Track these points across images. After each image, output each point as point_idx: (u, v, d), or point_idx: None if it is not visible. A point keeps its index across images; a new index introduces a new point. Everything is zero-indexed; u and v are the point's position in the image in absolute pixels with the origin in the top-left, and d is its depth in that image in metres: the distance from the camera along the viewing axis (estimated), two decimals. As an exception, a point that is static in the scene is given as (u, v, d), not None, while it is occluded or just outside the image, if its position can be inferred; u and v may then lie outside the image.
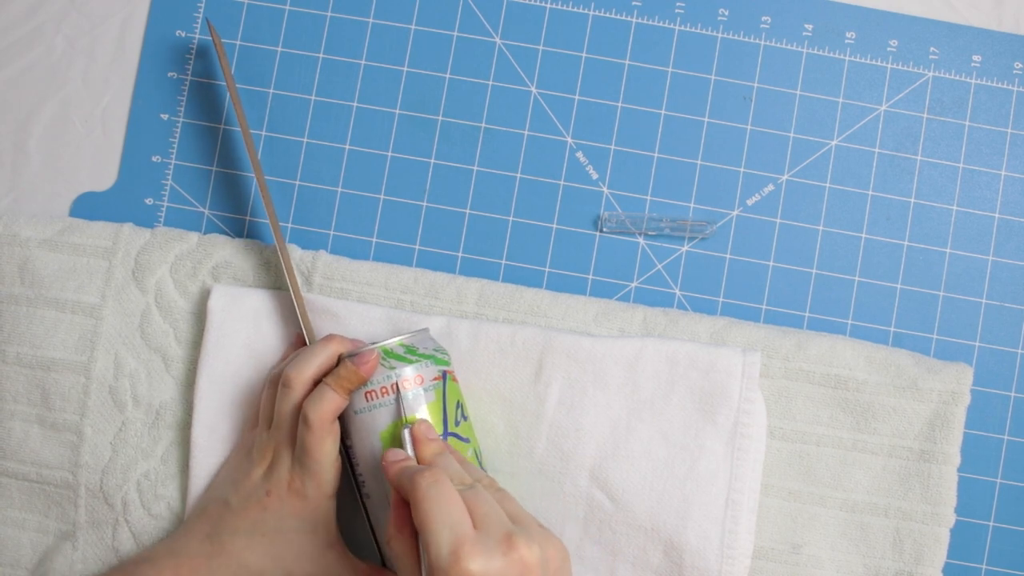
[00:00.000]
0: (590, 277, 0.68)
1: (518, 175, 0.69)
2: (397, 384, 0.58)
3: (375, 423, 0.58)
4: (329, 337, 0.60)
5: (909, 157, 0.68)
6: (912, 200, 0.68)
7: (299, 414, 0.58)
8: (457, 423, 0.60)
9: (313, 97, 0.70)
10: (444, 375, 0.60)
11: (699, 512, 0.62)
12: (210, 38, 0.68)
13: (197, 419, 0.64)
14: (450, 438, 0.59)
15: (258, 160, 0.65)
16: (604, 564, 0.63)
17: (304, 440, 0.58)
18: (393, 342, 0.59)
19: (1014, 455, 0.66)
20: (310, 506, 0.58)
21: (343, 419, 0.59)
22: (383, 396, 0.58)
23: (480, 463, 0.61)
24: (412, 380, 0.59)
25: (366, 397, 0.58)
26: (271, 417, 0.60)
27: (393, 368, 0.58)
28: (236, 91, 0.66)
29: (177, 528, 0.63)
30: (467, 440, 0.60)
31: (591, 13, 0.69)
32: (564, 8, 0.69)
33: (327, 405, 0.57)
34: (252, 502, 0.59)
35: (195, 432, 0.64)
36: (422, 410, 0.58)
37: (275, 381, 0.61)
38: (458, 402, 0.61)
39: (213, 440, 0.64)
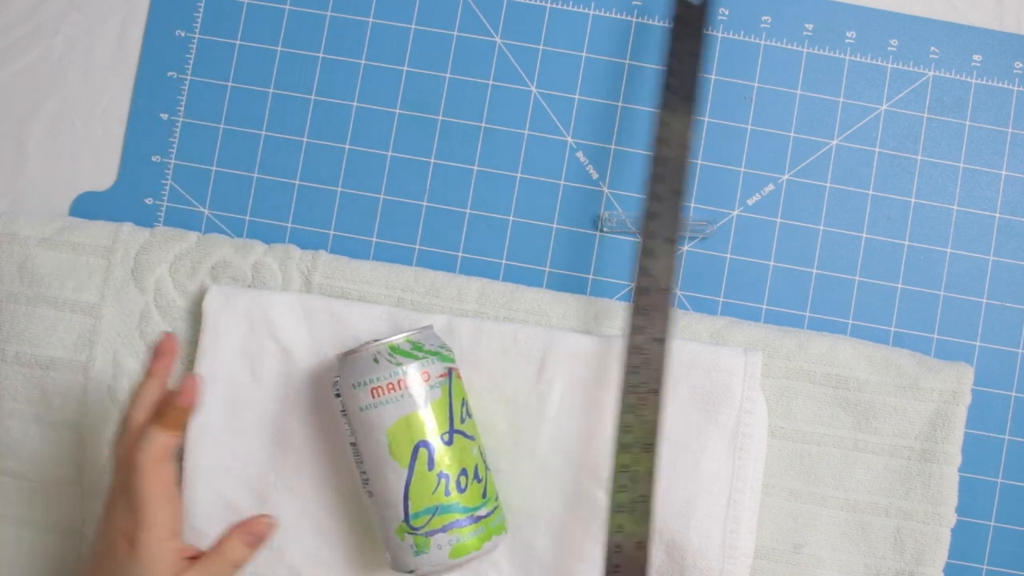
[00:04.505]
0: (590, 277, 0.68)
1: (518, 175, 0.69)
2: (403, 380, 0.58)
3: (381, 420, 0.58)
4: (150, 373, 0.58)
5: (909, 157, 0.68)
6: (912, 200, 0.68)
7: (127, 460, 0.56)
8: (463, 420, 0.60)
9: (313, 97, 0.70)
10: (450, 372, 0.60)
11: (701, 512, 0.62)
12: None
13: (192, 420, 0.64)
14: (456, 435, 0.59)
15: None
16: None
17: (130, 482, 0.55)
18: (399, 338, 0.59)
19: (1015, 455, 0.66)
20: (144, 553, 0.54)
21: (348, 416, 0.59)
22: (389, 392, 0.58)
23: (484, 461, 0.61)
24: (418, 376, 0.58)
25: (372, 394, 0.58)
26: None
27: (399, 364, 0.58)
28: None
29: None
30: (472, 438, 0.60)
31: (591, 13, 0.69)
32: (564, 8, 0.69)
33: (155, 447, 0.55)
34: (103, 552, 0.56)
35: (190, 433, 0.64)
36: (427, 407, 0.58)
37: (124, 419, 0.58)
38: (463, 399, 0.61)
39: (208, 441, 0.64)
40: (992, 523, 0.66)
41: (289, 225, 0.69)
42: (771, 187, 0.68)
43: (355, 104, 0.69)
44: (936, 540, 0.63)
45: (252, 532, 0.57)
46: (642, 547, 0.59)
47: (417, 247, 0.69)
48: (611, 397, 0.63)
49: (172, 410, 0.56)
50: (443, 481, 0.58)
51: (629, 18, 0.69)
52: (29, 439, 0.66)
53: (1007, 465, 0.66)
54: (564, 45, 0.69)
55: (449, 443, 0.59)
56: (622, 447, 0.59)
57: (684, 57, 0.63)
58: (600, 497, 0.62)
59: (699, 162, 0.68)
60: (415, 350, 0.59)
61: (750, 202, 0.68)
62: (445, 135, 0.69)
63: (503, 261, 0.68)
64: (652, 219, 0.61)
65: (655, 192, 0.61)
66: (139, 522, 0.54)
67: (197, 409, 0.57)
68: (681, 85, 0.63)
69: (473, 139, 0.69)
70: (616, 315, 0.65)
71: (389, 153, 0.69)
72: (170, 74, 0.70)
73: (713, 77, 0.69)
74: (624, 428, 0.59)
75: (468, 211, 0.69)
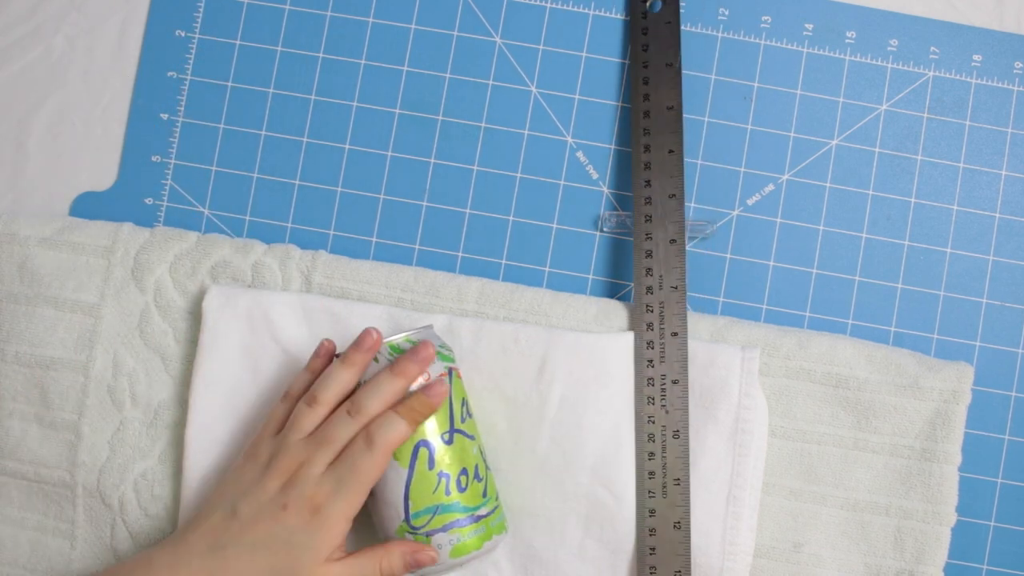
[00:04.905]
0: (590, 277, 0.68)
1: (518, 175, 0.69)
2: None
3: None
4: (399, 366, 0.58)
5: (909, 157, 0.68)
6: (912, 200, 0.68)
7: (357, 437, 0.57)
8: (463, 420, 0.60)
9: (313, 97, 0.70)
10: (450, 372, 0.60)
11: (701, 510, 0.62)
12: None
13: (192, 419, 0.64)
14: (456, 435, 0.59)
15: None
16: (606, 562, 0.62)
17: (359, 461, 0.56)
18: (399, 338, 0.59)
19: (1015, 455, 0.66)
20: (326, 524, 0.56)
21: None
22: None
23: (484, 460, 0.61)
24: (419, 377, 0.58)
25: None
26: (305, 430, 0.58)
27: None
28: None
29: (179, 535, 0.59)
30: (472, 437, 0.60)
31: (591, 13, 0.69)
32: (564, 8, 0.69)
33: (396, 434, 0.56)
34: (265, 514, 0.56)
35: (189, 432, 0.64)
36: None
37: (313, 398, 0.58)
38: (463, 399, 0.61)
39: (207, 440, 0.64)
40: (992, 523, 0.66)
41: (289, 225, 0.69)
42: (771, 187, 0.68)
43: (355, 104, 0.69)
44: (936, 539, 0.63)
45: (416, 556, 0.58)
46: (680, 527, 0.61)
47: (417, 247, 0.69)
48: (612, 396, 0.63)
49: (419, 403, 0.57)
50: (443, 480, 0.58)
51: (629, 18, 0.69)
52: (28, 439, 0.66)
53: (1007, 465, 0.66)
54: (564, 45, 0.69)
55: (449, 443, 0.59)
56: (648, 437, 0.62)
57: (658, 68, 0.66)
58: (601, 495, 0.62)
59: (699, 162, 0.68)
60: (416, 349, 0.59)
61: (750, 202, 0.68)
62: (445, 135, 0.69)
63: (503, 261, 0.68)
64: (648, 221, 0.64)
65: (648, 196, 0.64)
66: (338, 494, 0.56)
67: (435, 412, 0.58)
68: (658, 96, 0.66)
69: (473, 139, 0.69)
70: (616, 315, 0.65)
71: (389, 153, 0.69)
72: (170, 74, 0.70)
73: (713, 77, 0.69)
74: (648, 419, 0.62)
75: (468, 211, 0.69)
